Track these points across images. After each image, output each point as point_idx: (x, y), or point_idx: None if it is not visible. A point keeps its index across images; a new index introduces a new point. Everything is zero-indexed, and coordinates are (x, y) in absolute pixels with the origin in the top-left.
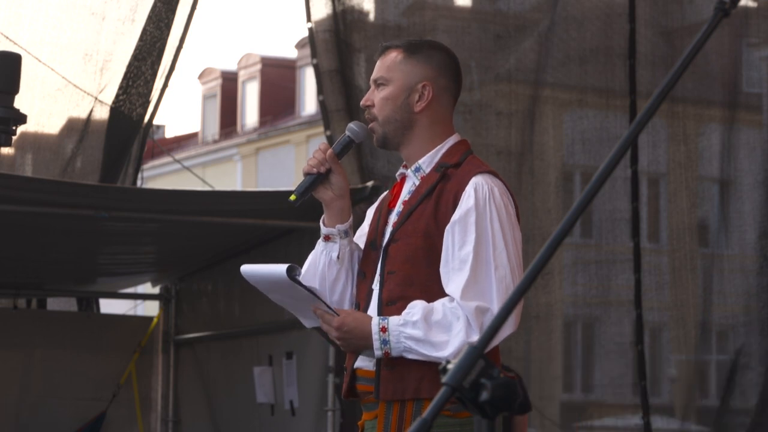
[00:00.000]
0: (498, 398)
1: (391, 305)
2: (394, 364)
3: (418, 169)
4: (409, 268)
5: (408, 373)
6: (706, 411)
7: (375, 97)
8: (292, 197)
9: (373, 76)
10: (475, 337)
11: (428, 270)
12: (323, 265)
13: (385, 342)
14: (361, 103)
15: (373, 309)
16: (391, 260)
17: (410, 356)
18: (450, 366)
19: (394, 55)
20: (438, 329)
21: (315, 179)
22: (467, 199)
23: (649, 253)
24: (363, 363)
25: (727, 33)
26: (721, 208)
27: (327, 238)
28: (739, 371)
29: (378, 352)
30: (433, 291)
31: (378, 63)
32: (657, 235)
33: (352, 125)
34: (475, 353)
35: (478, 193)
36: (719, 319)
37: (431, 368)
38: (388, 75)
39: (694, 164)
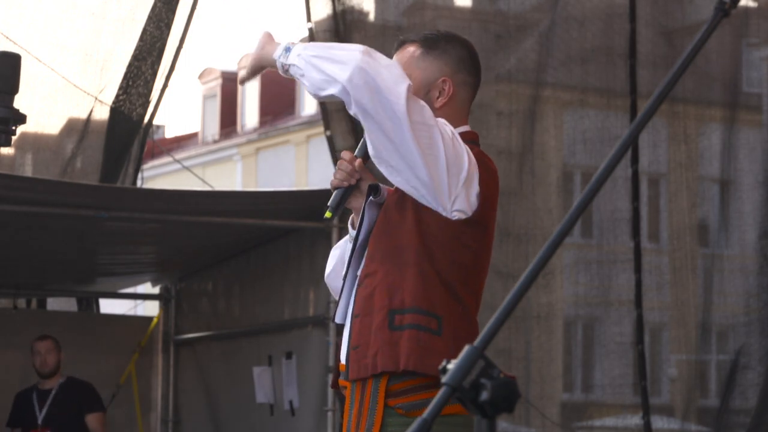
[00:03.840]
0: (498, 398)
1: (360, 286)
2: (357, 344)
3: None
4: (373, 243)
5: (367, 350)
6: (706, 411)
7: None
8: (328, 214)
9: None
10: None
11: (386, 242)
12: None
13: (287, 49)
14: None
15: (345, 294)
16: (369, 252)
17: (314, 62)
18: (450, 366)
19: (411, 50)
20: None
21: (346, 191)
22: None
23: (649, 253)
24: (343, 358)
25: (727, 33)
26: (721, 208)
27: None
28: (739, 371)
29: (280, 54)
30: (389, 262)
31: (395, 58)
32: (657, 235)
33: None
34: (475, 353)
35: None
36: (719, 319)
37: (384, 342)
38: (406, 71)
39: (695, 164)
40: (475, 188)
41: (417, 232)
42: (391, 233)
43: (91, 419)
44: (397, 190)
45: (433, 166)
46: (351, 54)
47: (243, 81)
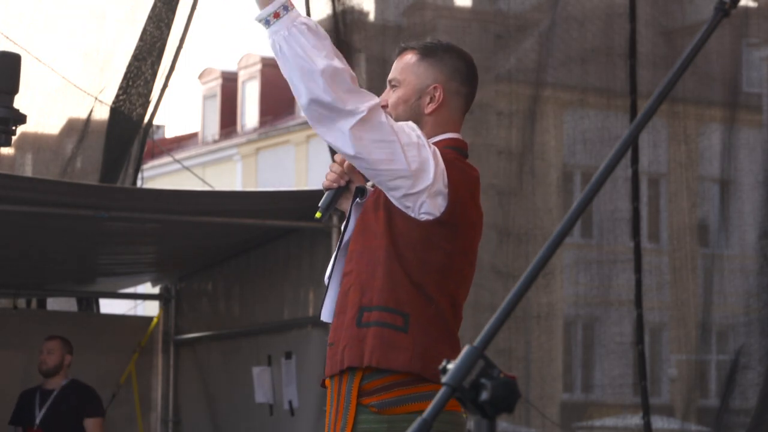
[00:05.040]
0: (498, 398)
1: (339, 285)
2: (332, 341)
3: None
4: (351, 244)
5: (338, 347)
6: (706, 411)
7: (389, 98)
8: (318, 214)
9: (389, 76)
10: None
11: (361, 242)
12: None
13: (267, 22)
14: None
15: (330, 294)
16: (348, 253)
17: (283, 61)
18: (450, 366)
19: (408, 57)
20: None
21: (336, 192)
22: None
23: (649, 253)
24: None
25: (727, 33)
26: (721, 208)
27: None
28: (739, 371)
29: (262, 18)
30: (363, 261)
31: (394, 63)
32: (657, 235)
33: None
34: (475, 353)
35: None
36: (719, 319)
37: (352, 338)
38: (401, 77)
39: (695, 164)
40: (442, 191)
41: (388, 233)
42: (366, 234)
43: (90, 423)
44: (375, 191)
45: (395, 174)
46: (312, 78)
47: None
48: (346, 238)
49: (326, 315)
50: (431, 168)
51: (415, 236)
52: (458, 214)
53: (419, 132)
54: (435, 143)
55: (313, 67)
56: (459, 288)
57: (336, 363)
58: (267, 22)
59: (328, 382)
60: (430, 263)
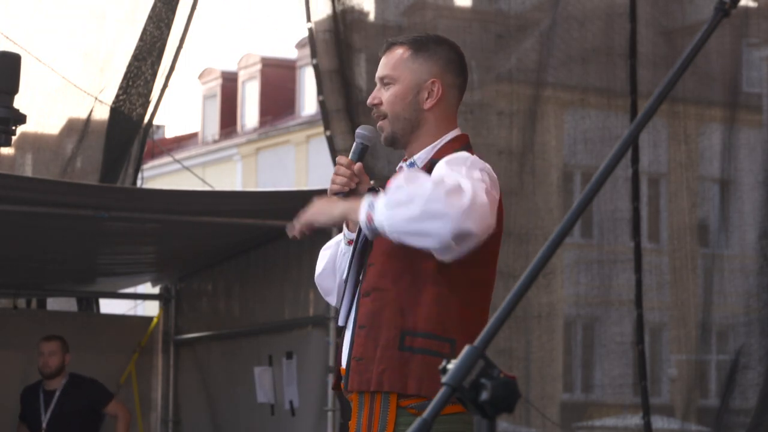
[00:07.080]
0: (498, 398)
1: (366, 297)
2: (361, 356)
3: (412, 164)
4: (385, 260)
5: (371, 365)
6: (706, 411)
7: (382, 96)
8: None
9: (379, 74)
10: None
11: (402, 263)
12: (345, 266)
13: (371, 205)
14: (368, 101)
15: (348, 298)
16: (373, 253)
17: (398, 228)
18: (450, 366)
19: (400, 53)
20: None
21: (345, 196)
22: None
23: (649, 253)
24: (345, 363)
25: (727, 33)
26: (721, 208)
27: (352, 243)
28: (739, 371)
29: (362, 215)
30: (404, 282)
31: (383, 60)
32: (657, 235)
33: (361, 131)
34: (475, 353)
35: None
36: (719, 319)
37: (393, 361)
38: (395, 73)
39: (695, 164)
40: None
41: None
42: (406, 253)
43: (111, 409)
44: None
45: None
46: (435, 225)
47: (293, 233)
48: (362, 240)
49: (343, 320)
50: (493, 220)
51: (468, 258)
52: (500, 229)
53: (487, 181)
54: (447, 144)
55: (434, 224)
56: (492, 292)
57: (368, 381)
58: (371, 206)
59: (349, 395)
60: (478, 280)
